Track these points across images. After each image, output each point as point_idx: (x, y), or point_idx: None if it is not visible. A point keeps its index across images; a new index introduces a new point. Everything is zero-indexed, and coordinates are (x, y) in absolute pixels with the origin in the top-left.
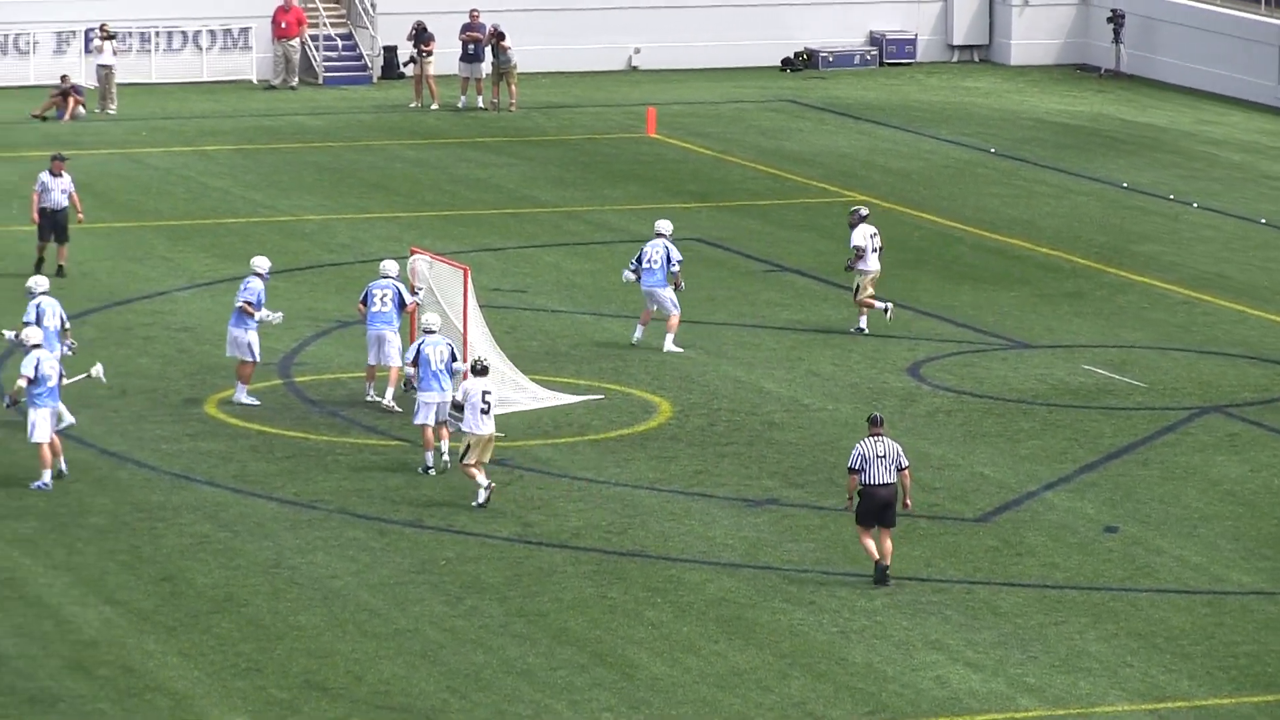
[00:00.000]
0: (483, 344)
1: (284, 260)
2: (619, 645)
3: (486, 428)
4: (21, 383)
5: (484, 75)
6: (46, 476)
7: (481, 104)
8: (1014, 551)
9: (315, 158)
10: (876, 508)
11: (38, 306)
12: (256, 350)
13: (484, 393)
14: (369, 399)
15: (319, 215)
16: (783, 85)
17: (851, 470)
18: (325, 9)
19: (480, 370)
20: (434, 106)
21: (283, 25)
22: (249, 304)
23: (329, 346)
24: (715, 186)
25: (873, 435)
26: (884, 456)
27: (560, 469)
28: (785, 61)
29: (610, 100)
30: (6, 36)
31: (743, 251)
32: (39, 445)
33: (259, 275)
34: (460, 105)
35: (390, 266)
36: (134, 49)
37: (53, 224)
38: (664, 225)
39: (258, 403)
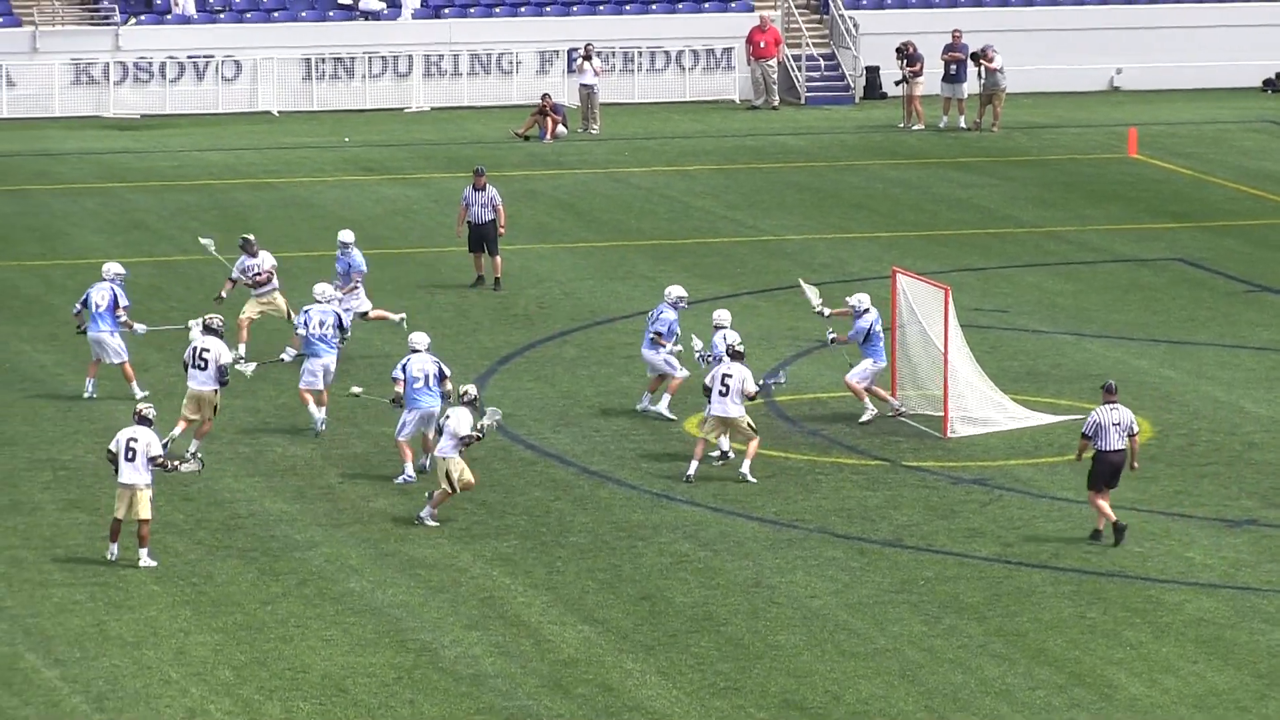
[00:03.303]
0: (963, 364)
1: (765, 280)
2: (1097, 665)
3: (718, 409)
4: (399, 388)
5: (965, 95)
6: (409, 469)
7: (963, 124)
8: None
9: (796, 177)
10: (1109, 472)
11: (321, 315)
12: (675, 364)
13: (724, 376)
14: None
15: (800, 235)
16: (1264, 105)
17: (1085, 436)
18: (808, 29)
19: (735, 355)
20: (917, 127)
21: (760, 45)
22: (659, 334)
23: (809, 366)
24: (1196, 207)
25: (1107, 403)
26: (1118, 424)
27: (1041, 489)
28: (1266, 82)
29: (1092, 120)
30: (490, 56)
31: (1223, 272)
32: (400, 442)
33: (672, 305)
34: (941, 125)
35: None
36: (616, 69)
37: (479, 237)
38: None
39: (674, 417)
